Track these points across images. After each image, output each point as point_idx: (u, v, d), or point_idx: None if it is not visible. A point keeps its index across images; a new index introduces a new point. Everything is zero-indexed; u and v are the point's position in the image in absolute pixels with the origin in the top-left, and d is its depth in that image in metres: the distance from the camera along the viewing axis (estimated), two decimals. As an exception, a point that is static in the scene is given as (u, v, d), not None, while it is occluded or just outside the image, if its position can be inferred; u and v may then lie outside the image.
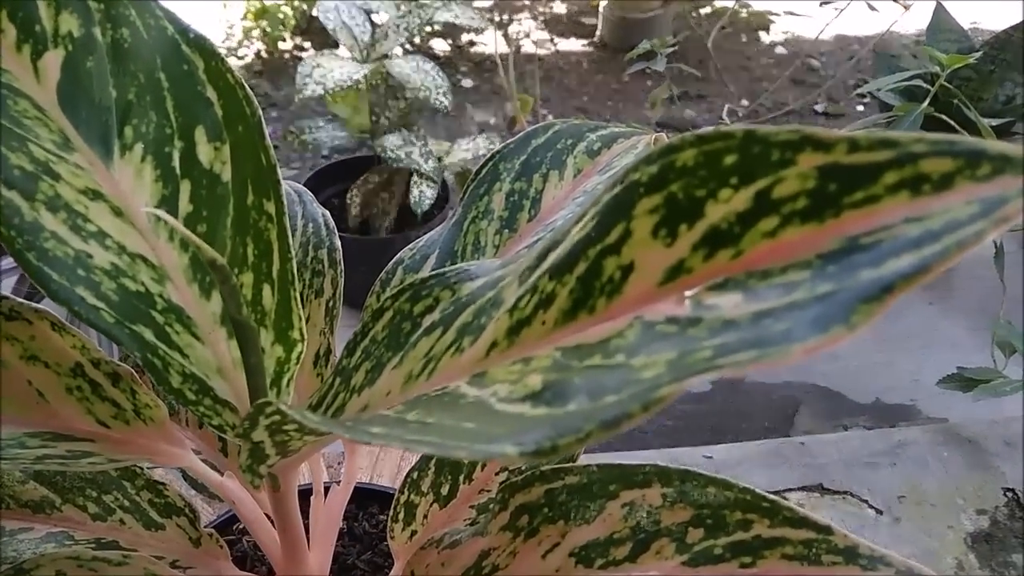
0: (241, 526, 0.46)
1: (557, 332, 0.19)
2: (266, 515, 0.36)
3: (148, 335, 0.28)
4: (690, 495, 0.28)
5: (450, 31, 2.40)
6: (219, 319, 0.31)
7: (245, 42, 2.31)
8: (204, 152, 0.30)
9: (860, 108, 2.11)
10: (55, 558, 0.31)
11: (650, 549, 0.28)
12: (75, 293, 0.27)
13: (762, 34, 2.40)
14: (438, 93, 1.10)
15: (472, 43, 2.39)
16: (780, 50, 2.34)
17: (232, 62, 2.16)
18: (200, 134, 0.30)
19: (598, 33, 2.36)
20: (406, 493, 0.40)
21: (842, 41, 2.38)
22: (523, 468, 0.37)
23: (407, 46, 1.95)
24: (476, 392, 0.20)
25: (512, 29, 2.46)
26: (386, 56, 1.15)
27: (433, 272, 0.27)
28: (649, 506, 0.28)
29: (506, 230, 0.36)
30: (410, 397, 0.25)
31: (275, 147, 1.77)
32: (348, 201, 1.13)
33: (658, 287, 0.17)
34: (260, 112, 0.30)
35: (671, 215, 0.18)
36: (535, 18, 2.54)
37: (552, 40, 2.42)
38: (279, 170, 0.29)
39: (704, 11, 2.49)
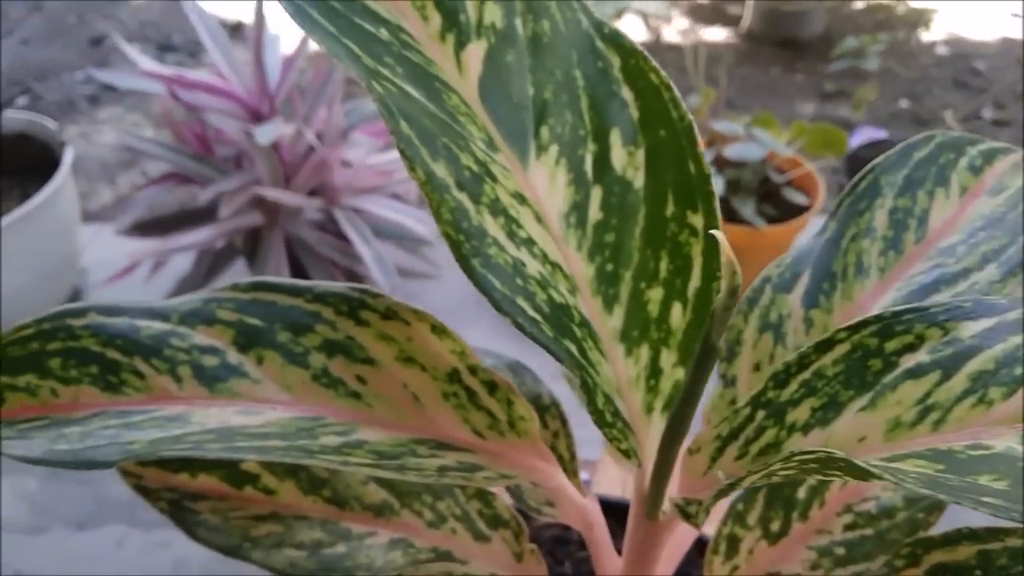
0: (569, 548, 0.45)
1: None
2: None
3: (574, 351, 0.26)
4: None
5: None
6: (619, 335, 0.29)
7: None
8: (618, 157, 0.28)
9: (1029, 115, 1.98)
10: (428, 573, 0.30)
11: None
12: (516, 304, 0.25)
13: (921, 32, 2.28)
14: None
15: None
16: (941, 50, 2.22)
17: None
18: (615, 137, 0.28)
19: (744, 23, 2.29)
20: (729, 525, 0.37)
21: (1008, 44, 2.24)
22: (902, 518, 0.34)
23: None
24: None
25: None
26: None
27: (907, 307, 0.24)
28: None
29: (891, 252, 0.33)
30: (908, 446, 0.22)
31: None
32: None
33: None
34: (689, 117, 0.27)
35: None
36: (675, 4, 2.47)
37: (694, 29, 2.35)
38: (712, 181, 0.27)
39: (858, 5, 2.38)
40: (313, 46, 1.07)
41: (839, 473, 0.21)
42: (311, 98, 0.98)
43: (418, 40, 0.27)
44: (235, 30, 2.20)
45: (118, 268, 0.99)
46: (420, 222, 1.01)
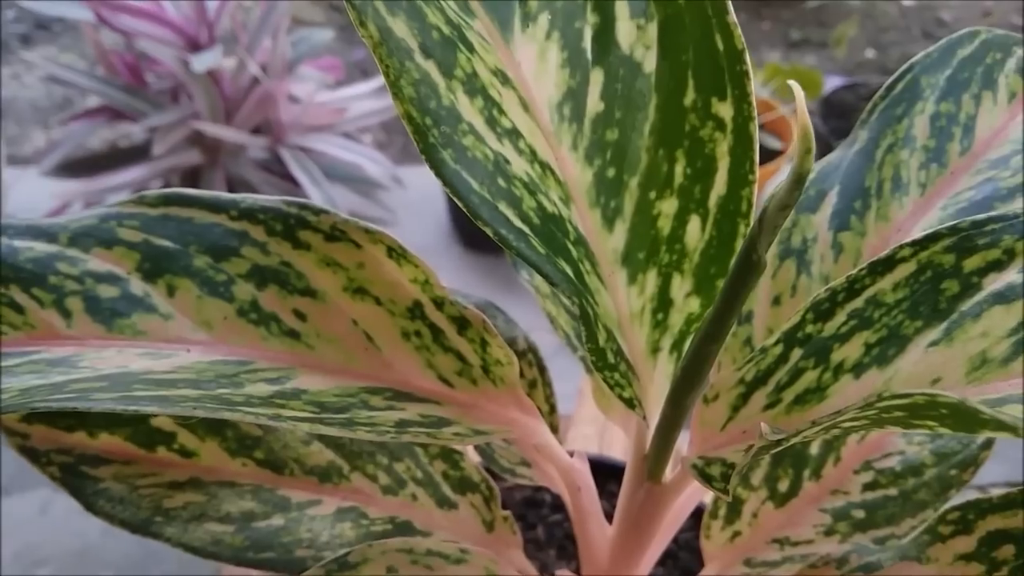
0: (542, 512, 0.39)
1: None
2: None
3: (570, 272, 0.20)
4: None
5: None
6: (620, 258, 0.23)
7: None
8: (624, 32, 0.22)
9: (995, 66, 1.96)
10: (384, 550, 0.24)
11: None
12: (498, 211, 0.19)
13: (889, -20, 2.24)
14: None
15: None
16: (907, 1, 2.18)
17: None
18: (621, 6, 0.22)
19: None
20: (732, 484, 0.32)
21: (974, -7, 2.21)
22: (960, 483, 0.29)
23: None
24: None
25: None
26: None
27: (991, 215, 0.19)
28: None
29: (933, 164, 0.28)
30: (1000, 388, 0.17)
31: (365, 74, 1.68)
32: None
33: None
34: (716, -23, 0.21)
35: None
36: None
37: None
38: (747, 57, 0.21)
39: (825, -47, 2.32)
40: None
41: (934, 422, 0.16)
42: (254, 27, 0.90)
43: None
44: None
45: (45, 209, 0.91)
46: (375, 163, 0.94)
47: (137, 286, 0.24)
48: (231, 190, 0.92)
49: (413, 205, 1.12)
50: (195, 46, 0.89)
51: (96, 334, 0.23)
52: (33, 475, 0.72)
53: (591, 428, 0.52)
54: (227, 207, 0.25)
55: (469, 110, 0.19)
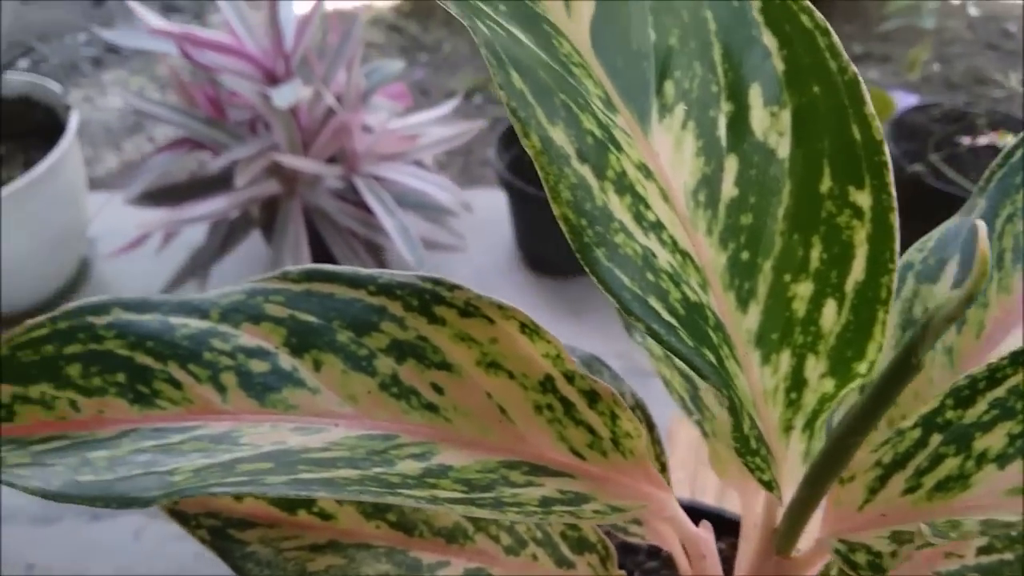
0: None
1: None
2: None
3: (714, 361, 0.21)
4: None
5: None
6: (754, 338, 0.24)
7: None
8: (758, 119, 0.23)
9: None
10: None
11: None
12: (649, 306, 0.20)
13: (951, -10, 2.20)
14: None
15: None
16: (972, 11, 2.14)
17: (377, 3, 2.10)
18: (754, 94, 0.23)
19: (768, -17, 2.20)
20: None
21: (1042, 2, 2.15)
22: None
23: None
24: None
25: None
26: None
27: None
28: None
29: (1056, 235, 0.28)
30: None
31: (424, 93, 1.70)
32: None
33: None
34: (853, 69, 0.22)
35: None
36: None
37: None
38: (885, 148, 0.22)
39: (886, -37, 2.29)
40: (329, 3, 1.01)
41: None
42: (329, 59, 0.92)
43: (519, -27, 0.21)
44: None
45: (127, 238, 0.94)
46: (444, 190, 0.96)
47: (286, 361, 0.25)
48: (308, 219, 0.94)
49: (478, 228, 1.14)
50: (272, 78, 0.92)
51: (250, 408, 0.25)
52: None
53: (683, 472, 0.52)
54: (366, 283, 0.26)
55: (619, 208, 0.20)
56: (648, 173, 0.21)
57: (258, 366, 0.25)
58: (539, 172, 0.19)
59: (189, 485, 0.21)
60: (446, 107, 1.04)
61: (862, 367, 0.23)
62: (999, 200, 0.28)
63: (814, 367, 0.23)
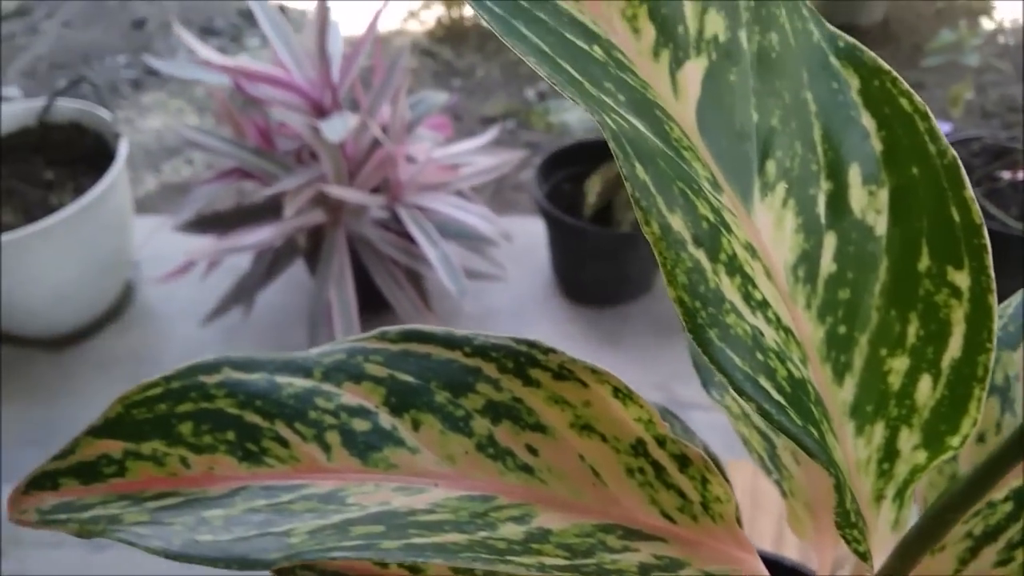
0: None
1: None
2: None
3: (817, 437, 0.22)
4: None
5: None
6: (849, 410, 0.24)
7: (424, 7, 2.27)
8: (856, 197, 0.24)
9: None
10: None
11: None
12: (760, 386, 0.21)
13: (983, 20, 2.20)
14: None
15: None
16: (1003, 39, 2.13)
17: (412, 27, 2.12)
18: (853, 173, 0.24)
19: (800, 11, 2.21)
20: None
21: (1077, 31, 2.15)
22: None
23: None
24: None
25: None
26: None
27: None
28: None
29: None
30: None
31: (458, 119, 1.71)
32: (585, 188, 1.07)
33: None
34: (952, 153, 0.23)
35: None
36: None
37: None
38: (984, 231, 0.22)
39: (918, -9, 2.29)
40: (362, 28, 1.03)
41: None
42: (375, 91, 0.94)
43: (629, 57, 0.22)
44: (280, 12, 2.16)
45: (171, 262, 0.96)
46: (486, 220, 0.97)
47: (386, 420, 0.26)
48: (352, 248, 0.95)
49: (517, 257, 1.15)
50: (320, 109, 0.93)
51: (353, 467, 0.26)
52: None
53: (772, 526, 0.53)
54: (461, 344, 0.27)
55: (730, 289, 0.21)
56: (754, 252, 0.22)
57: (360, 425, 0.26)
58: (657, 257, 0.20)
59: (308, 548, 0.22)
60: (486, 136, 1.05)
61: (955, 440, 0.23)
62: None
63: (907, 439, 0.24)
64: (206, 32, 2.20)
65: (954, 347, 0.23)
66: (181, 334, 1.09)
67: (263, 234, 0.87)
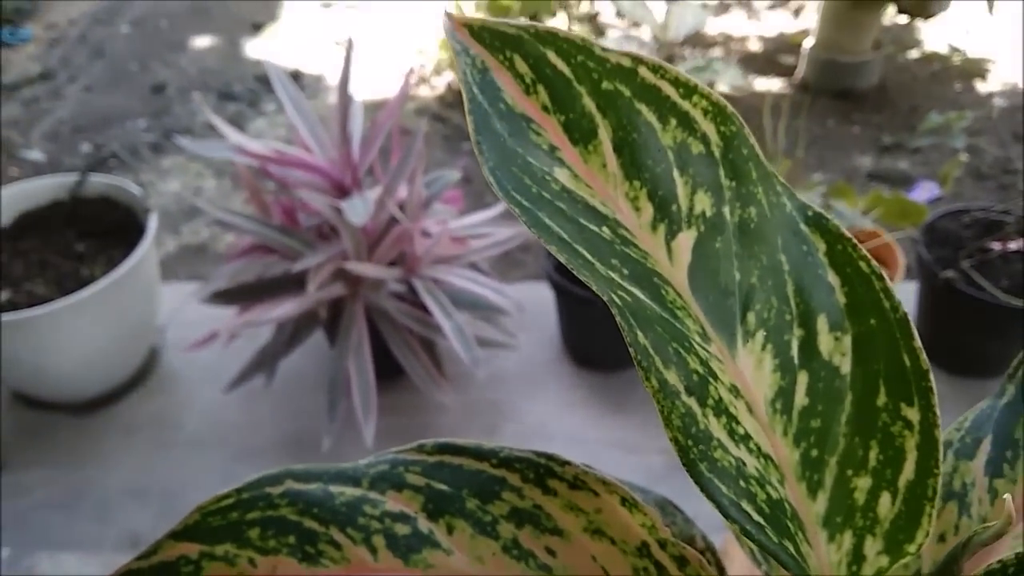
0: None
1: None
2: None
3: (793, 551, 0.26)
4: None
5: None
6: (822, 520, 0.28)
7: (435, 73, 2.35)
8: (824, 342, 0.28)
9: (1093, 169, 1.95)
10: None
11: None
12: (742, 509, 0.25)
13: (978, 83, 2.27)
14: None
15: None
16: (999, 101, 2.20)
17: (422, 92, 2.19)
18: (821, 322, 0.28)
19: (798, 74, 2.28)
20: None
21: (1068, 94, 2.21)
22: None
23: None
24: None
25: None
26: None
27: None
28: None
29: (1078, 421, 0.32)
30: None
31: (468, 182, 1.77)
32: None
33: None
34: (904, 309, 0.27)
35: None
36: (728, 54, 2.48)
37: (747, 79, 2.35)
38: (931, 376, 0.27)
39: (913, 55, 2.37)
40: (376, 95, 1.09)
41: None
42: (393, 171, 0.99)
43: (632, 232, 0.27)
44: (294, 79, 2.24)
45: (195, 328, 1.00)
46: (498, 293, 1.02)
47: (423, 524, 0.30)
48: (369, 319, 1.00)
49: (527, 324, 1.19)
50: (341, 188, 0.99)
51: (397, 568, 0.30)
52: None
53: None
54: (489, 456, 0.31)
55: (717, 428, 0.25)
56: (738, 392, 0.27)
57: (401, 529, 0.30)
58: (656, 405, 0.24)
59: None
60: (497, 208, 1.10)
61: (912, 548, 0.28)
62: (1026, 388, 0.33)
63: (872, 545, 0.28)
64: (224, 96, 2.27)
65: (908, 470, 0.27)
66: (204, 399, 1.13)
67: (286, 308, 0.92)
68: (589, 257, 0.24)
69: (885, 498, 0.28)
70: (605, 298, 0.23)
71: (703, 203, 0.28)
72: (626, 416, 1.11)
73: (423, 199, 0.99)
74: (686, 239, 0.27)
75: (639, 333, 0.23)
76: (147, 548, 0.30)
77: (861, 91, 2.17)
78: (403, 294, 1.01)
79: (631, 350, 0.23)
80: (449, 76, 2.32)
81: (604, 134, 0.27)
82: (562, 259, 0.24)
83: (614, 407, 1.12)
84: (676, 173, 0.27)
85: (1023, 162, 1.94)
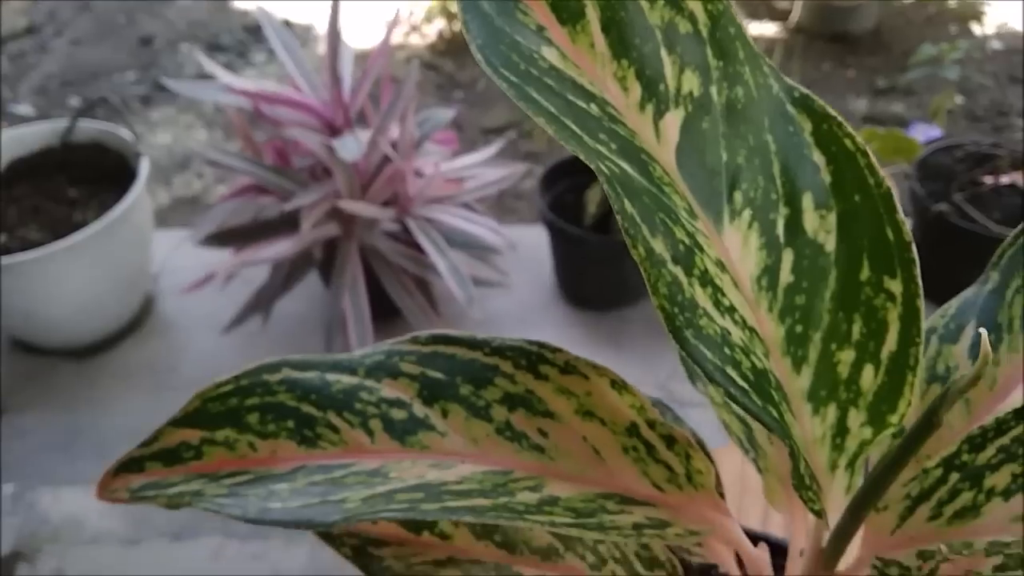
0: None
1: None
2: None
3: (777, 416, 0.27)
4: None
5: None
6: (806, 395, 0.29)
7: (426, 21, 2.32)
8: (809, 220, 0.29)
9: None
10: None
11: None
12: (727, 374, 0.25)
13: (973, 26, 2.25)
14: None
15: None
16: (994, 44, 2.18)
17: (414, 40, 2.17)
18: (807, 200, 0.29)
19: (794, 18, 2.26)
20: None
21: (1063, 36, 2.20)
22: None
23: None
24: None
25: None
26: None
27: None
28: None
29: (1058, 304, 0.33)
30: None
31: (460, 130, 1.75)
32: (585, 198, 1.12)
33: None
34: (887, 184, 0.28)
35: None
36: None
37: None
38: (914, 248, 0.27)
39: (907, 0, 2.35)
40: (367, 43, 1.08)
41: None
42: (385, 110, 0.99)
43: (620, 111, 0.27)
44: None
45: (189, 274, 1.01)
46: (491, 231, 1.02)
47: (419, 409, 0.31)
48: (364, 259, 1.01)
49: (522, 265, 1.20)
50: (333, 128, 0.98)
51: (393, 449, 0.31)
52: (206, 521, 0.80)
53: (759, 508, 0.58)
54: (481, 346, 0.32)
55: (702, 297, 0.26)
56: (723, 267, 0.27)
57: (398, 414, 0.31)
58: (643, 273, 0.24)
59: (361, 511, 0.27)
60: (491, 149, 1.10)
61: (895, 418, 0.28)
62: (1010, 273, 0.34)
63: (855, 418, 0.29)
64: (213, 48, 2.25)
65: (891, 341, 0.28)
66: (199, 344, 1.14)
67: (281, 247, 0.92)
68: (577, 131, 0.25)
69: (868, 370, 0.28)
70: (593, 167, 0.24)
71: (691, 83, 0.28)
72: (620, 353, 1.12)
73: (415, 138, 0.99)
74: (673, 119, 0.28)
75: (626, 201, 0.24)
76: (148, 436, 0.31)
77: (856, 34, 2.15)
78: (397, 234, 1.02)
79: (618, 217, 0.24)
80: (440, 24, 2.29)
81: (592, 13, 0.27)
82: (550, 131, 0.24)
83: (608, 345, 1.13)
84: (664, 52, 0.28)
85: (1022, 102, 1.94)
